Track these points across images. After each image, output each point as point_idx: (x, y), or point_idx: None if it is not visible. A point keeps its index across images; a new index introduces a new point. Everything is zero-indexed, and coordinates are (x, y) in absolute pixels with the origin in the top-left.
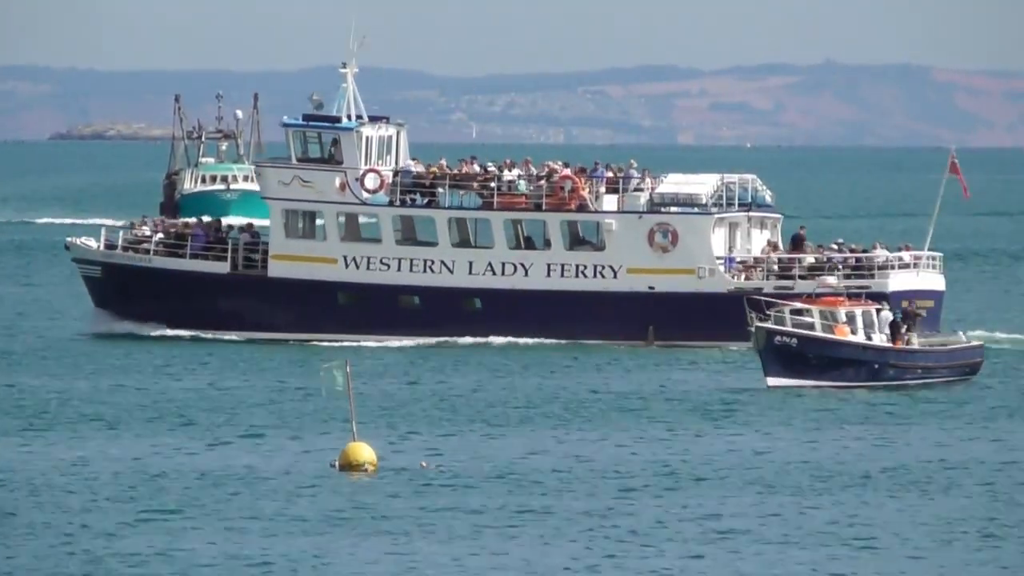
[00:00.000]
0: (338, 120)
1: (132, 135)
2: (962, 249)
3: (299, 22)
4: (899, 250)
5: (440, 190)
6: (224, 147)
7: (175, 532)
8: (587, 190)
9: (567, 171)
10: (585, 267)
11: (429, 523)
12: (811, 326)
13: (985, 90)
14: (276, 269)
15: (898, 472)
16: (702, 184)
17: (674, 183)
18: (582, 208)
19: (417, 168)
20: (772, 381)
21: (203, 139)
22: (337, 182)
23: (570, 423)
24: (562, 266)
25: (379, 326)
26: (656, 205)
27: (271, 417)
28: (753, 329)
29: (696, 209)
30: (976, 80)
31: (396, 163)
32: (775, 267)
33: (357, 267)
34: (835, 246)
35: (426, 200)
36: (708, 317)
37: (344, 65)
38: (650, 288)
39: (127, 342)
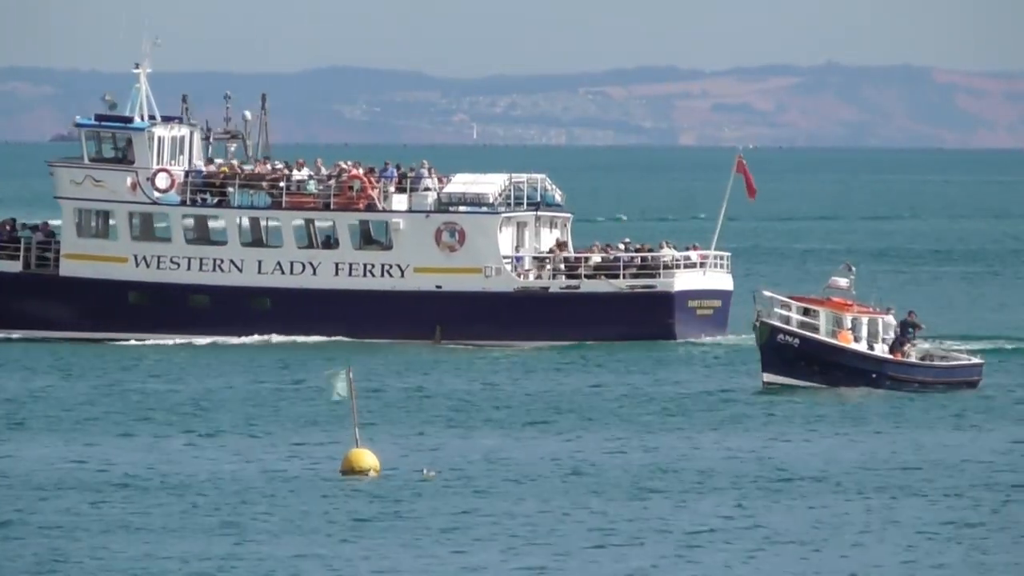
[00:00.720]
0: (130, 120)
1: None
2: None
3: (299, 24)
4: (687, 250)
5: (230, 190)
6: (233, 148)
7: (171, 536)
8: (376, 189)
9: (356, 171)
10: (373, 266)
11: (435, 527)
12: (816, 328)
13: (986, 91)
14: (68, 268)
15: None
16: (490, 184)
17: (462, 183)
18: (370, 208)
19: (208, 168)
20: (768, 377)
21: (211, 139)
22: (128, 182)
23: (569, 424)
24: (350, 265)
25: (169, 325)
26: (444, 205)
27: (273, 420)
28: (757, 324)
29: (484, 208)
30: (977, 81)
31: (189, 163)
32: (562, 266)
33: (148, 266)
34: (622, 246)
35: (216, 200)
36: (495, 316)
37: (137, 66)
38: (437, 287)
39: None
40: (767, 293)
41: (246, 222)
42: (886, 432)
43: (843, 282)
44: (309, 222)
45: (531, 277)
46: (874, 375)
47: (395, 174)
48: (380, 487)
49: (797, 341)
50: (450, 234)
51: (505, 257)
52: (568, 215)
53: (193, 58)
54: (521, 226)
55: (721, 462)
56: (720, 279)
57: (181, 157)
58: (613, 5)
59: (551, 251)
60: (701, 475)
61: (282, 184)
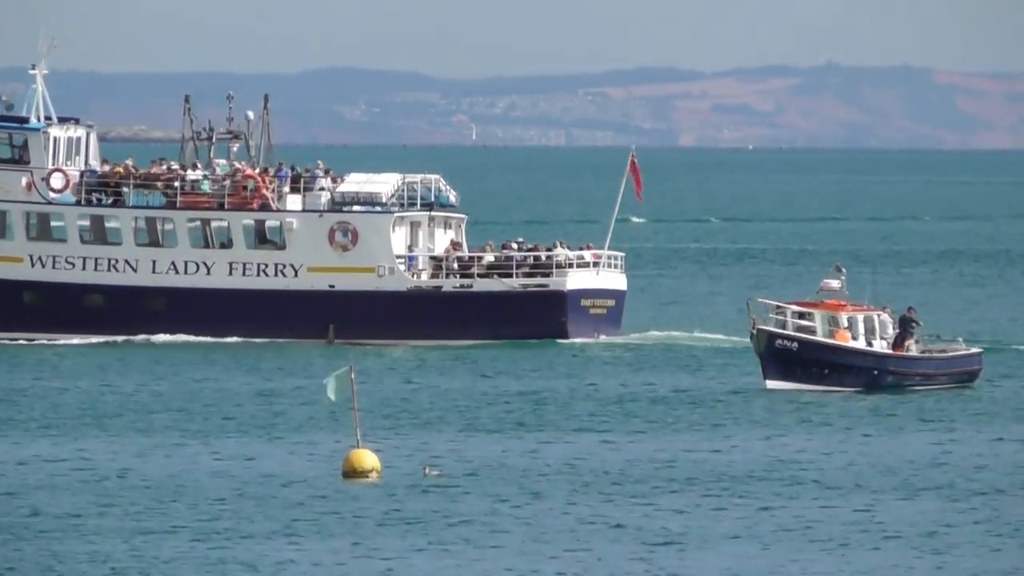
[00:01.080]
0: (26, 121)
1: (132, 137)
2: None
3: (299, 26)
4: (580, 249)
5: (125, 190)
6: (235, 148)
7: (171, 536)
8: (270, 189)
9: (250, 171)
10: (267, 266)
11: (437, 528)
12: (813, 330)
13: (986, 92)
14: None
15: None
16: (383, 183)
17: (355, 182)
18: (264, 208)
19: (103, 168)
20: (771, 384)
21: (213, 140)
22: (24, 182)
23: (571, 425)
24: (244, 265)
25: (65, 325)
26: (337, 204)
27: (274, 421)
28: (754, 332)
29: (377, 208)
30: (977, 82)
31: (85, 164)
32: (455, 266)
33: (43, 266)
34: (515, 245)
35: (112, 200)
36: (388, 315)
37: (33, 67)
38: (331, 287)
39: (126, 346)
40: (761, 300)
41: (143, 223)
42: (903, 432)
43: (835, 283)
44: (205, 222)
45: (424, 276)
46: (876, 371)
47: (289, 174)
48: (381, 487)
49: (796, 345)
50: (343, 234)
51: (398, 257)
52: (463, 215)
53: (193, 59)
54: (415, 226)
55: (724, 463)
56: (614, 279)
57: (77, 158)
58: (612, 6)
59: (445, 251)
60: (700, 476)
61: (176, 184)
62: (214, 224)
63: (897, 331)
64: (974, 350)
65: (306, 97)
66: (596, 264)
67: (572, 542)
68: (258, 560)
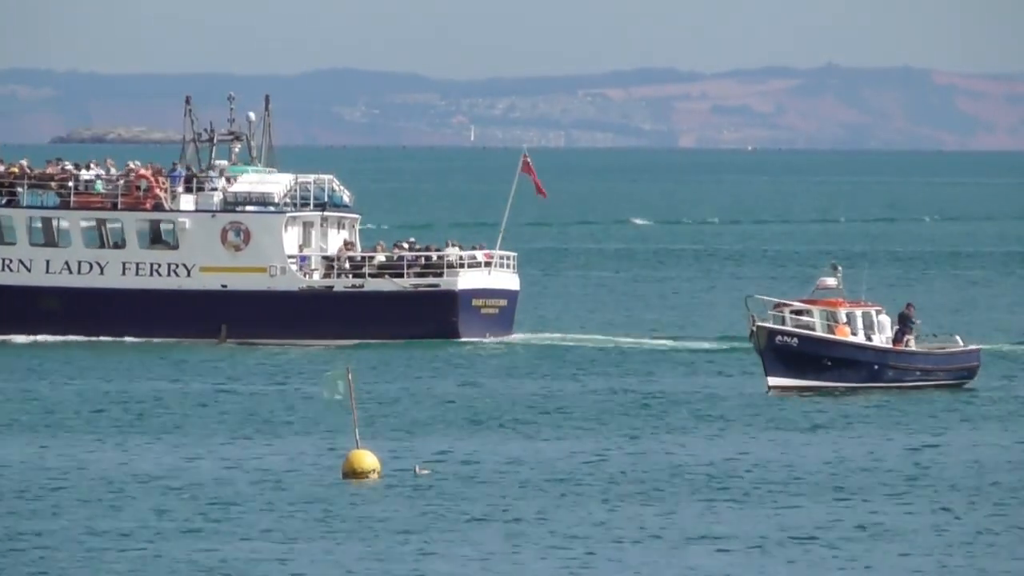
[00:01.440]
0: None
1: (132, 138)
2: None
3: (299, 27)
4: (473, 249)
5: (19, 190)
6: (237, 149)
7: (170, 536)
8: (163, 189)
9: (143, 171)
10: (160, 266)
11: (436, 529)
12: (812, 327)
13: (986, 93)
14: None
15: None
16: (276, 183)
17: (248, 182)
18: (158, 207)
19: None
20: (773, 381)
21: (214, 141)
22: None
23: (569, 426)
24: (137, 265)
25: None
26: (230, 204)
27: (275, 421)
28: (754, 329)
29: (270, 208)
30: (977, 83)
31: None
32: (347, 265)
33: None
34: (406, 245)
35: (6, 200)
36: (280, 315)
37: None
38: (223, 286)
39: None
40: (759, 297)
41: (38, 222)
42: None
43: (831, 281)
44: (101, 222)
45: (317, 276)
46: (876, 366)
47: (183, 174)
48: (381, 488)
49: (796, 340)
50: (235, 233)
51: (290, 257)
52: (356, 215)
53: (193, 60)
54: (307, 226)
55: (724, 464)
56: (506, 279)
57: None
58: (612, 7)
59: (338, 251)
60: (703, 477)
61: (70, 184)
62: (111, 225)
63: (896, 328)
64: (973, 347)
65: (306, 98)
66: (488, 264)
67: (574, 542)
68: (257, 560)
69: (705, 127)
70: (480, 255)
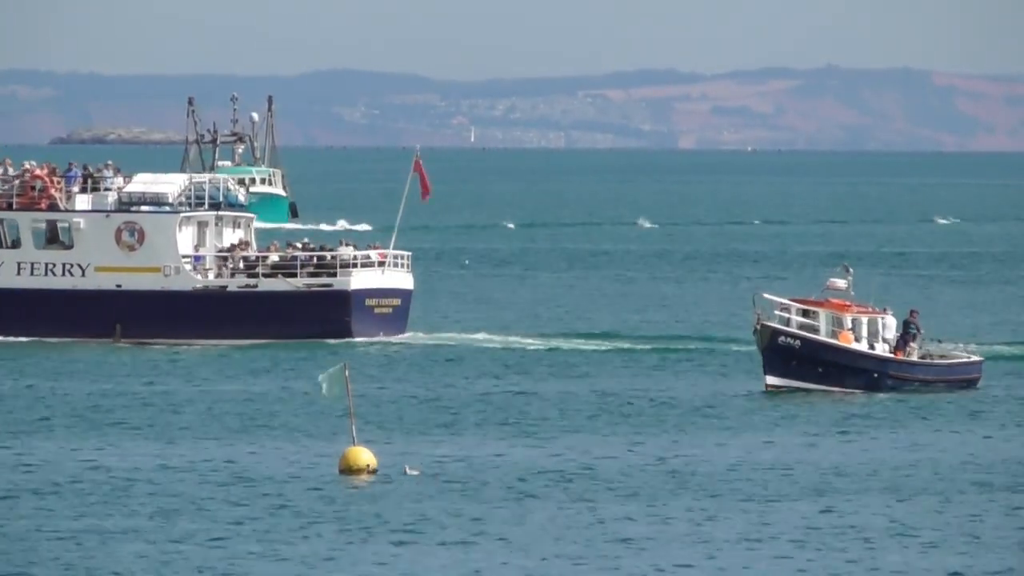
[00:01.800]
0: None
1: (132, 139)
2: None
3: (299, 28)
4: (368, 248)
5: None
6: (240, 150)
7: (168, 536)
8: (58, 189)
9: (39, 171)
10: (55, 266)
11: (430, 527)
12: (816, 329)
13: (986, 94)
14: None
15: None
16: (170, 184)
17: (142, 183)
18: (53, 207)
19: None
20: (771, 380)
21: (217, 142)
22: None
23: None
24: (32, 265)
25: None
26: (124, 204)
27: (270, 421)
28: (758, 327)
29: (165, 208)
30: (977, 84)
31: None
32: (241, 265)
33: None
34: (299, 245)
35: None
36: (174, 315)
37: None
38: (118, 286)
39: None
40: (766, 296)
41: None
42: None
43: (841, 283)
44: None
45: (211, 276)
46: (876, 375)
47: (79, 174)
48: (377, 485)
49: (798, 343)
50: (130, 233)
51: (184, 257)
52: (251, 215)
53: (192, 61)
54: (202, 226)
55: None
56: (400, 278)
57: None
58: (612, 8)
59: (229, 249)
60: (702, 479)
61: None
62: (5, 224)
63: (899, 334)
64: (975, 358)
65: (306, 99)
66: (382, 264)
67: (569, 543)
68: (255, 560)
69: (705, 128)
70: (374, 255)
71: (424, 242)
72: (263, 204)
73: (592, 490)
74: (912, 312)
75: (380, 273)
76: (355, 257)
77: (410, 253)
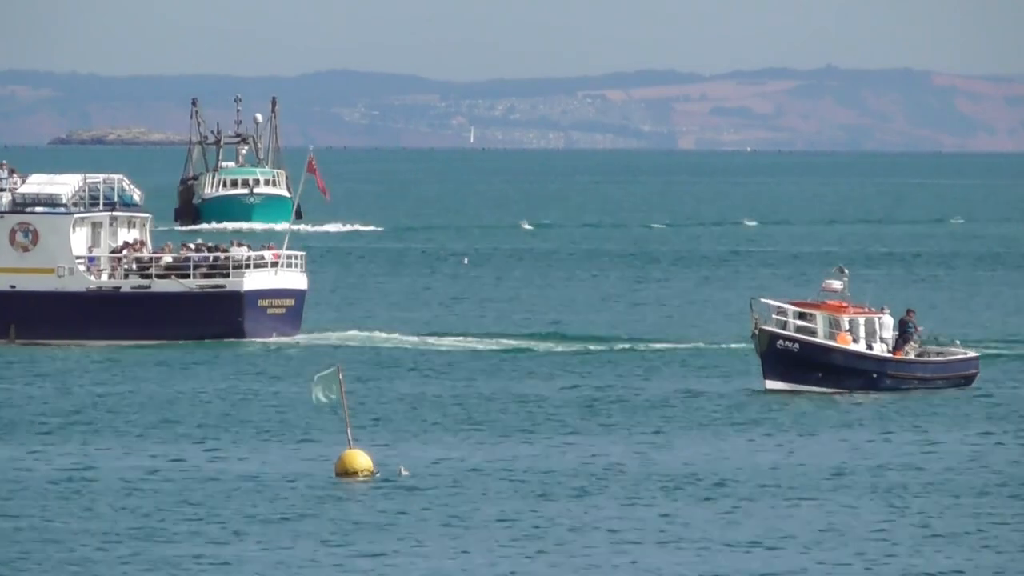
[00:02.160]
0: None
1: (132, 140)
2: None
3: (299, 28)
4: (262, 249)
5: None
6: (244, 151)
7: (166, 536)
8: None
9: None
10: None
11: (432, 528)
12: (813, 331)
13: (986, 95)
14: None
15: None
16: (64, 184)
17: (36, 183)
18: None
19: None
20: (771, 384)
21: (221, 143)
22: None
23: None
24: None
25: None
26: (18, 205)
27: (268, 423)
28: (756, 332)
29: (59, 209)
30: (976, 85)
31: None
32: (134, 266)
33: None
34: (193, 246)
35: None
36: (68, 315)
37: None
38: (12, 287)
39: (113, 350)
40: (764, 300)
41: None
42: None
43: (837, 284)
44: None
45: (104, 277)
46: (875, 375)
47: None
48: (373, 488)
49: (797, 346)
50: (24, 234)
51: (78, 257)
52: (147, 215)
53: (192, 62)
54: (96, 226)
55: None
56: (294, 278)
57: None
58: (612, 8)
59: (120, 249)
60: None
61: None
62: None
63: (896, 334)
64: (971, 354)
65: (306, 100)
66: (275, 264)
67: (567, 542)
68: (252, 561)
69: (705, 128)
70: (268, 255)
71: (425, 243)
72: (268, 205)
73: (592, 490)
74: (908, 312)
75: (273, 274)
76: (248, 258)
77: (304, 253)
